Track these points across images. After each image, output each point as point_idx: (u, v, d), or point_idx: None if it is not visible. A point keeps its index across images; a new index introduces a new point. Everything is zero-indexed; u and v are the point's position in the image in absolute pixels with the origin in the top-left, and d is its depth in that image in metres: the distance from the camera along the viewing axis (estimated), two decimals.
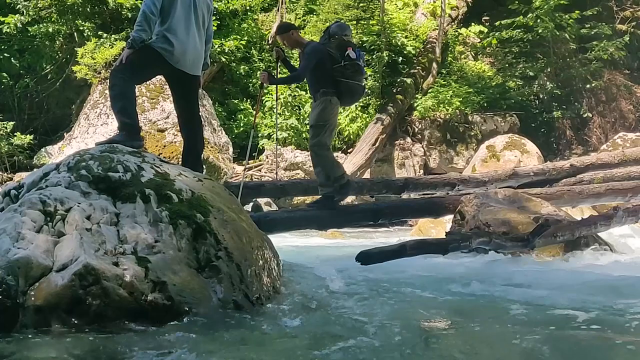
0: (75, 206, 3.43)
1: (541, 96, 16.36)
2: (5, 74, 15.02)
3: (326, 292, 4.08)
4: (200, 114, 5.60)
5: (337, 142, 15.23)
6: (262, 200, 12.10)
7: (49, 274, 3.12)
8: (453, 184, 7.91)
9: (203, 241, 3.56)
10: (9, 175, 13.89)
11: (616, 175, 8.67)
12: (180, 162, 5.31)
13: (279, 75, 7.46)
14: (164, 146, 9.73)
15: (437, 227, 8.40)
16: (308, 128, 6.77)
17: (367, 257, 4.42)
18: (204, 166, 5.97)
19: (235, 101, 15.47)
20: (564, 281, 4.79)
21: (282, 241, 6.42)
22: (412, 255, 4.58)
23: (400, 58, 15.99)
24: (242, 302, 3.49)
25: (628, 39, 15.48)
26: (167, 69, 5.12)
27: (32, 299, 3.04)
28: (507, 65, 17.41)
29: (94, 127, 9.81)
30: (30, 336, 2.98)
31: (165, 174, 3.89)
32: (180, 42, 5.04)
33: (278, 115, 14.68)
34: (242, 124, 14.79)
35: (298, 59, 6.82)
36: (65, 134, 15.20)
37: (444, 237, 4.91)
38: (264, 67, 16.16)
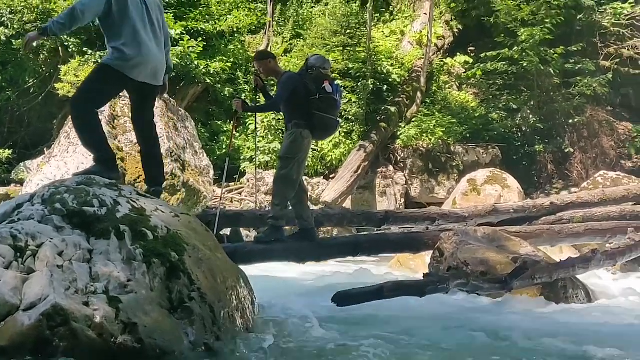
0: (47, 242, 3.35)
1: (524, 129, 16.46)
2: None
3: (300, 337, 4.01)
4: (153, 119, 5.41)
5: (319, 167, 15.24)
6: None
7: (16, 313, 3.04)
8: (433, 218, 7.89)
9: (177, 281, 3.50)
10: None
11: (596, 215, 8.69)
12: None
13: (258, 103, 7.39)
14: None
15: (416, 260, 8.33)
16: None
17: (343, 299, 4.37)
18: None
19: (219, 122, 15.41)
20: (540, 327, 4.78)
21: (260, 266, 6.37)
22: (389, 298, 4.53)
23: (385, 86, 16.09)
24: (214, 345, 3.42)
25: (611, 75, 15.65)
26: (129, 83, 4.93)
27: None
28: (490, 96, 17.56)
29: (74, 146, 9.65)
30: None
31: (142, 209, 3.83)
32: (138, 52, 4.85)
33: (260, 139, 14.67)
34: (224, 146, 14.72)
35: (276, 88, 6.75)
36: (45, 150, 15.08)
37: (422, 278, 4.86)
38: (249, 89, 16.19)
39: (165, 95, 11.24)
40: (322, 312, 4.72)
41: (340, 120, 15.23)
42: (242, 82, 16.16)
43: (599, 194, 9.26)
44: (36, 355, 2.96)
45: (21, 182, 13.93)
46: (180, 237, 3.76)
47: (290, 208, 6.45)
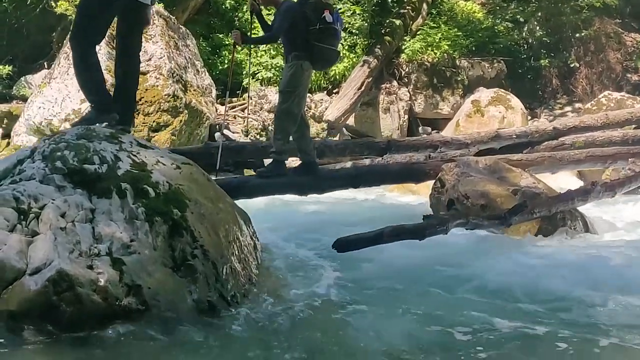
0: (49, 203, 3.39)
1: (530, 41, 16.17)
2: None
3: (303, 287, 4.11)
4: (139, 54, 5.00)
5: (322, 82, 15.03)
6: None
7: (22, 278, 3.11)
8: (435, 145, 7.88)
9: (179, 239, 3.56)
10: None
11: (597, 139, 8.68)
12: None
13: (253, 34, 7.21)
14: (146, 89, 9.53)
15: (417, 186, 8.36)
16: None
17: (343, 245, 4.43)
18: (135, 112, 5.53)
19: (220, 35, 15.06)
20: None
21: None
22: (389, 242, 4.60)
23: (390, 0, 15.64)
24: (217, 302, 3.52)
25: None
26: (115, 6, 4.59)
27: (5, 304, 3.03)
28: (497, 7, 17.14)
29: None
30: (2, 341, 2.99)
31: (143, 164, 3.84)
32: None
33: (262, 53, 14.46)
34: (226, 60, 14.48)
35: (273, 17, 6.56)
36: (45, 64, 14.92)
37: (421, 222, 4.92)
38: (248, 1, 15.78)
39: (165, 12, 11.05)
40: (326, 252, 4.82)
41: (343, 36, 14.98)
42: None
43: (602, 117, 9.22)
44: (44, 319, 3.05)
45: (23, 98, 13.85)
46: (182, 193, 3.79)
47: (292, 141, 6.45)
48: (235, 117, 13.31)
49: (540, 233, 6.24)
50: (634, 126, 9.18)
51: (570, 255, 5.33)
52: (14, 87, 14.16)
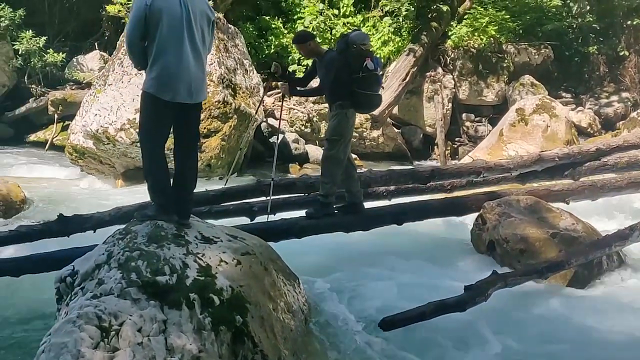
0: (127, 319, 3.76)
1: (579, 21, 15.89)
2: None
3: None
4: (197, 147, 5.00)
5: None
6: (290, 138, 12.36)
7: None
8: (478, 171, 8.06)
9: (241, 345, 3.92)
10: (42, 90, 14.13)
11: None
12: None
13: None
14: None
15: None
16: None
17: (389, 324, 4.78)
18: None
19: (267, 18, 15.20)
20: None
21: None
22: (432, 318, 4.94)
23: None
24: None
25: None
26: (174, 107, 4.56)
27: None
28: None
29: (129, 76, 9.88)
30: None
31: (207, 268, 4.19)
32: (172, 71, 4.46)
33: None
34: (272, 45, 14.66)
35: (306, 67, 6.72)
36: (96, 45, 15.30)
37: (462, 294, 5.21)
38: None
39: (215, 14, 11.21)
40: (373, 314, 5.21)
41: (388, 20, 14.92)
42: None
43: None
44: None
45: (76, 82, 14.33)
46: (243, 297, 4.14)
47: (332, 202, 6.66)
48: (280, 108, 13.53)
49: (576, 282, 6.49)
50: None
51: None
52: (66, 69, 14.61)
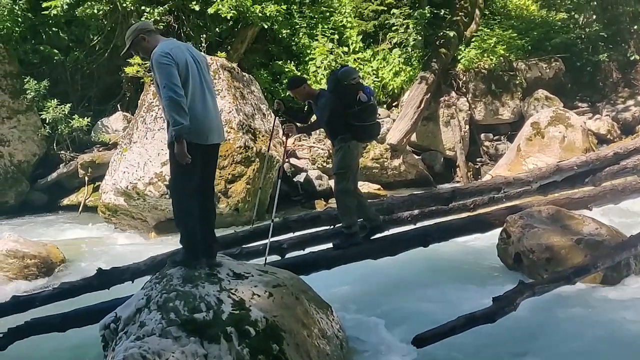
0: (170, 357, 4.00)
1: (587, 31, 16.07)
2: (55, 50, 15.43)
3: None
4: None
5: (381, 96, 15.49)
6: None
7: None
8: (499, 187, 8.22)
9: None
10: (71, 154, 14.61)
11: None
12: None
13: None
14: None
15: None
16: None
17: (421, 341, 4.93)
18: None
19: (280, 62, 15.61)
20: None
21: None
22: (462, 332, 5.08)
23: (442, 10, 15.80)
24: None
25: None
26: (203, 150, 4.90)
27: None
28: (551, 0, 17.11)
29: (152, 132, 10.27)
30: None
31: (241, 302, 4.42)
32: (203, 117, 4.86)
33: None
34: (286, 92, 15.01)
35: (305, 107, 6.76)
36: (118, 106, 15.81)
37: (491, 305, 5.34)
38: (304, 24, 16.29)
39: (229, 64, 11.63)
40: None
41: (397, 51, 15.26)
42: (297, 20, 16.21)
43: None
44: None
45: (103, 144, 14.80)
46: (278, 326, 4.36)
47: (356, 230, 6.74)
48: (302, 146, 13.86)
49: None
50: None
51: None
52: (92, 133, 15.08)
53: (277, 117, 7.16)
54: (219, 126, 5.16)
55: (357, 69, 15.33)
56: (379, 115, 7.02)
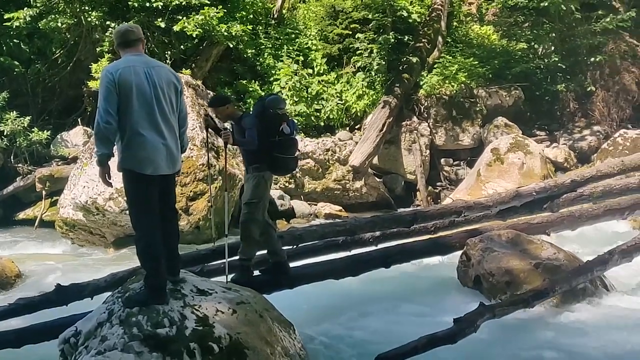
0: None
1: (546, 62, 16.47)
2: (16, 62, 15.23)
3: None
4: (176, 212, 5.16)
5: (344, 119, 15.63)
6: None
7: None
8: (459, 211, 8.34)
9: None
10: (29, 168, 14.35)
11: (615, 187, 9.04)
12: None
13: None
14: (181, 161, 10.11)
15: None
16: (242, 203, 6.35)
17: None
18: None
19: (244, 82, 15.65)
20: None
21: None
22: (424, 351, 5.13)
23: (406, 37, 16.07)
24: None
25: (634, 14, 15.43)
26: (153, 180, 4.67)
27: None
28: (512, 31, 17.51)
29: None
30: None
31: (205, 318, 4.40)
32: (150, 146, 4.58)
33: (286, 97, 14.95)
34: (250, 107, 15.06)
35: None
36: (79, 120, 15.63)
37: (452, 327, 5.41)
38: (270, 45, 16.39)
39: (194, 81, 11.61)
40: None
41: (361, 75, 15.45)
42: (263, 41, 16.31)
43: (618, 164, 9.57)
44: None
45: (62, 158, 14.58)
46: (241, 342, 4.34)
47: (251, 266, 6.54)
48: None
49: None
50: None
51: None
52: (51, 146, 14.86)
53: (207, 130, 6.82)
54: (173, 155, 4.79)
55: (322, 90, 15.51)
56: (299, 150, 6.75)
